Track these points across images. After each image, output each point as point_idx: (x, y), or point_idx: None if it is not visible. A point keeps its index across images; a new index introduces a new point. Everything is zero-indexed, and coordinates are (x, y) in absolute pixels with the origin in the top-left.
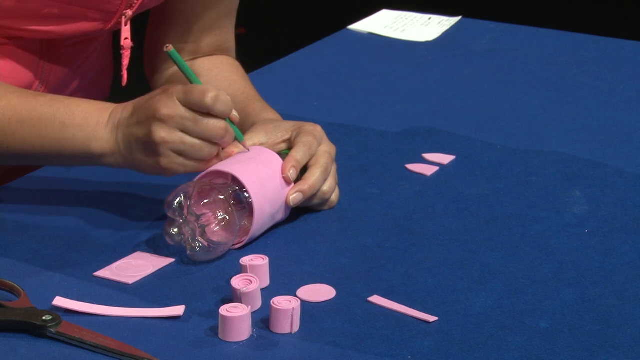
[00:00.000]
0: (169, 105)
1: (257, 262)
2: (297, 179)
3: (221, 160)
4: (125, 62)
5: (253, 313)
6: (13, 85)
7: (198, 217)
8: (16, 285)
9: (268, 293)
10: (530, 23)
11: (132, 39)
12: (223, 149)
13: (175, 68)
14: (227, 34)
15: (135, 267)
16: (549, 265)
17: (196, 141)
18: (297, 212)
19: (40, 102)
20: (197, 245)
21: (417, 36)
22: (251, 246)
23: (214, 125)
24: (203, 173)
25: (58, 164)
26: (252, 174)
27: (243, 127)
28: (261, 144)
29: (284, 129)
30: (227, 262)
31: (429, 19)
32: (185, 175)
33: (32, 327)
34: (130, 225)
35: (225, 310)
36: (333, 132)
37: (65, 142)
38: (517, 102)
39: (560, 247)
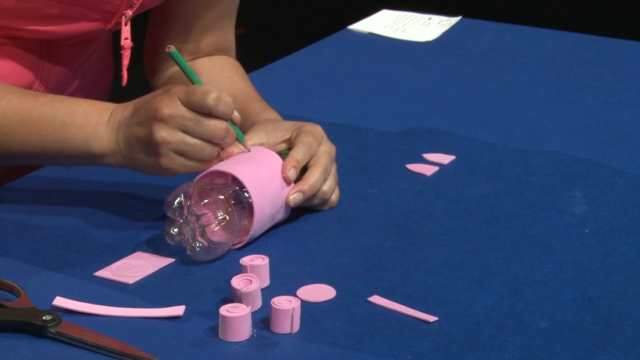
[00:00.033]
0: (170, 106)
1: (257, 262)
2: (297, 179)
3: (221, 161)
4: (125, 62)
5: (253, 313)
6: (13, 85)
7: (198, 217)
8: (16, 285)
9: (268, 293)
10: (530, 23)
11: (132, 39)
12: (223, 149)
13: (175, 68)
14: (227, 34)
15: (136, 267)
16: (549, 265)
17: (197, 141)
18: (297, 212)
19: (41, 102)
20: (197, 245)
21: (417, 36)
22: (251, 246)
23: (216, 125)
24: (203, 173)
25: (58, 164)
26: (252, 174)
27: (243, 127)
28: (261, 144)
29: (284, 129)
30: (227, 262)
31: (429, 19)
32: (186, 175)
33: (32, 327)
34: (130, 225)
35: (225, 310)
36: (333, 132)
37: (65, 142)
38: (517, 102)
39: (560, 247)
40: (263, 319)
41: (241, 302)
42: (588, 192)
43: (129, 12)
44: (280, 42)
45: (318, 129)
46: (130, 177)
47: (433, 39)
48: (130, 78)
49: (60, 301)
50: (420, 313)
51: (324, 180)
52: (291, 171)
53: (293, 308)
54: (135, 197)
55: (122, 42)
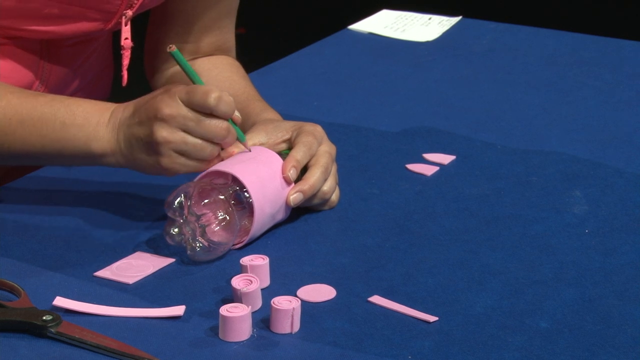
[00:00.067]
0: (171, 105)
1: (258, 262)
2: (298, 179)
3: (222, 160)
4: (126, 62)
5: (253, 313)
6: (13, 85)
7: (198, 217)
8: (16, 285)
9: (268, 293)
10: (530, 23)
11: (132, 39)
12: (223, 148)
13: (176, 68)
14: (227, 34)
15: (136, 267)
16: (549, 265)
17: (198, 141)
18: (297, 212)
19: (41, 102)
20: (198, 245)
21: (417, 36)
22: (251, 246)
23: (217, 125)
24: (203, 173)
25: (59, 164)
26: (253, 174)
27: (243, 127)
28: (261, 144)
29: (284, 129)
30: (227, 262)
31: (429, 19)
32: (186, 175)
33: (32, 327)
34: (130, 225)
35: (225, 310)
36: (333, 132)
37: (65, 142)
38: (517, 102)
39: (561, 247)
40: (263, 319)
41: (241, 302)
42: (588, 192)
43: (129, 12)
44: (280, 42)
45: (318, 129)
46: (130, 177)
47: (433, 39)
48: (130, 78)
49: (60, 301)
50: (420, 313)
51: (324, 180)
52: (291, 171)
53: (293, 308)
54: (135, 197)
55: (122, 42)
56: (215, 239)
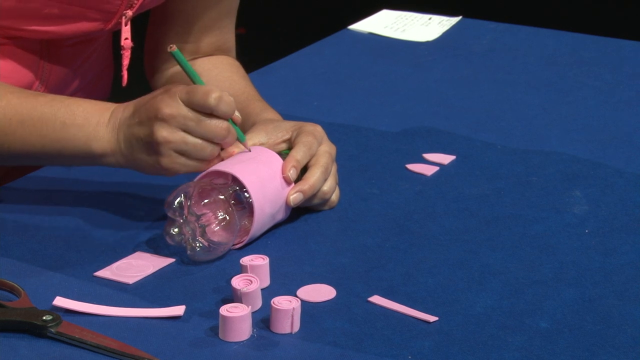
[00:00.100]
0: (171, 105)
1: (258, 262)
2: (298, 179)
3: (222, 160)
4: (126, 62)
5: (253, 313)
6: (13, 85)
7: (198, 217)
8: (16, 285)
9: (268, 293)
10: (530, 23)
11: (132, 39)
12: (223, 148)
13: (176, 68)
14: (227, 34)
15: (136, 267)
16: (549, 265)
17: (198, 141)
18: (297, 212)
19: (41, 102)
20: (198, 245)
21: (417, 36)
22: (251, 246)
23: (217, 125)
24: (203, 173)
25: (59, 164)
26: (253, 174)
27: (243, 127)
28: (261, 144)
29: (284, 129)
30: (227, 262)
31: (429, 19)
32: (186, 175)
33: (32, 327)
34: (130, 225)
35: (225, 310)
36: (333, 132)
37: (66, 142)
38: (517, 102)
39: (561, 247)
40: (263, 319)
41: (241, 302)
42: (588, 192)
43: (129, 12)
44: (280, 42)
45: (318, 129)
46: (130, 177)
47: (433, 39)
48: (130, 78)
49: (60, 301)
50: (420, 313)
51: (324, 180)
52: (291, 171)
53: (293, 308)
54: (135, 197)
55: (122, 42)
56: (215, 239)
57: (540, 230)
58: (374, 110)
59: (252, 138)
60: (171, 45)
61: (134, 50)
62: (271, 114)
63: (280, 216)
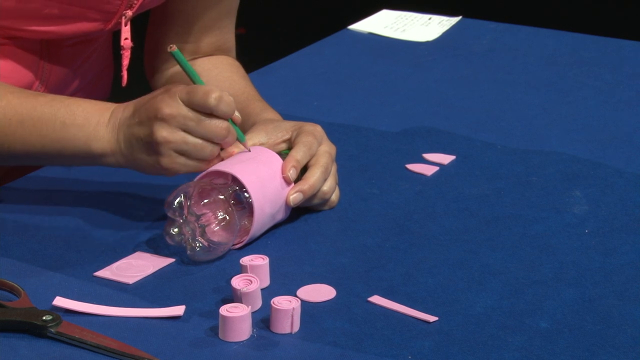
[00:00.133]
0: (171, 105)
1: (257, 262)
2: (298, 179)
3: (222, 160)
4: (125, 62)
5: (253, 313)
6: (13, 86)
7: (198, 217)
8: (16, 285)
9: (268, 293)
10: (530, 23)
11: (132, 39)
12: (223, 148)
13: (176, 68)
14: (227, 34)
15: (136, 267)
16: (549, 265)
17: (198, 141)
18: (297, 212)
19: (41, 102)
20: (197, 245)
21: (417, 36)
22: (251, 246)
23: (217, 125)
24: (203, 173)
25: (59, 164)
26: (252, 174)
27: (243, 127)
28: (261, 144)
29: (284, 129)
30: (227, 262)
31: (429, 19)
32: (186, 175)
33: (32, 327)
34: (130, 225)
35: (225, 310)
36: (333, 132)
37: (66, 142)
38: (517, 102)
39: (561, 247)
40: (263, 319)
41: (241, 302)
42: (588, 192)
43: (129, 13)
44: (280, 42)
45: (318, 129)
46: (130, 177)
47: (433, 39)
48: (130, 78)
49: (60, 301)
50: (420, 313)
51: (324, 180)
52: (291, 171)
53: (293, 308)
54: (135, 197)
55: (122, 43)
56: (215, 239)
57: (540, 230)
58: (374, 110)
59: (252, 138)
60: (171, 45)
61: (134, 50)
62: (271, 114)
63: (280, 216)
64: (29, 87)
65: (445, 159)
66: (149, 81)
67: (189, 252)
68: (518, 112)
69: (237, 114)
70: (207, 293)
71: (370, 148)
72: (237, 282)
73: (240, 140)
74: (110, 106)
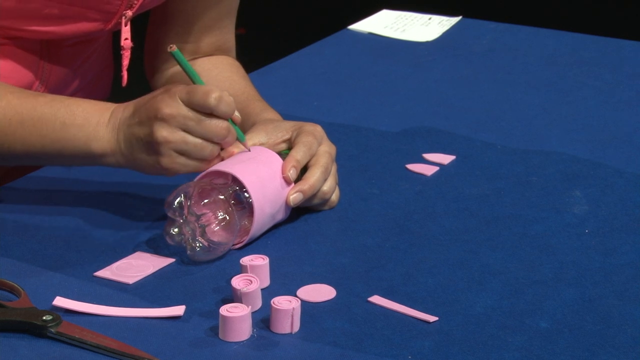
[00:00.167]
0: (171, 105)
1: (257, 262)
2: (298, 179)
3: (222, 160)
4: (125, 62)
5: (253, 313)
6: (13, 86)
7: (198, 217)
8: (16, 285)
9: (268, 293)
10: (530, 23)
11: (132, 39)
12: (223, 148)
13: (176, 68)
14: (227, 34)
15: (136, 267)
16: (549, 265)
17: (198, 141)
18: (297, 212)
19: (41, 102)
20: (197, 245)
21: (417, 36)
22: (251, 246)
23: (217, 125)
24: (203, 173)
25: (59, 164)
26: (252, 174)
27: (243, 127)
28: (261, 144)
29: (284, 129)
30: (227, 262)
31: (429, 19)
32: (186, 175)
33: (32, 327)
34: (130, 225)
35: (225, 310)
36: (333, 132)
37: (65, 142)
38: (517, 102)
39: (561, 247)
40: (263, 319)
41: (241, 302)
42: (588, 192)
43: (129, 13)
44: (280, 42)
45: (318, 129)
46: (130, 177)
47: (433, 39)
48: (130, 78)
49: (60, 301)
50: (420, 313)
51: (324, 180)
52: (291, 171)
53: (293, 308)
54: (135, 197)
55: (122, 43)
56: (215, 239)
57: (540, 230)
58: (374, 110)
59: (252, 138)
60: (171, 45)
61: (134, 50)
62: (271, 114)
63: (280, 216)
64: (29, 87)
65: (445, 159)
66: (149, 81)
67: (189, 252)
68: (518, 112)
69: (237, 113)
70: (207, 293)
71: (370, 148)
72: (237, 282)
73: (240, 140)
74: (110, 106)
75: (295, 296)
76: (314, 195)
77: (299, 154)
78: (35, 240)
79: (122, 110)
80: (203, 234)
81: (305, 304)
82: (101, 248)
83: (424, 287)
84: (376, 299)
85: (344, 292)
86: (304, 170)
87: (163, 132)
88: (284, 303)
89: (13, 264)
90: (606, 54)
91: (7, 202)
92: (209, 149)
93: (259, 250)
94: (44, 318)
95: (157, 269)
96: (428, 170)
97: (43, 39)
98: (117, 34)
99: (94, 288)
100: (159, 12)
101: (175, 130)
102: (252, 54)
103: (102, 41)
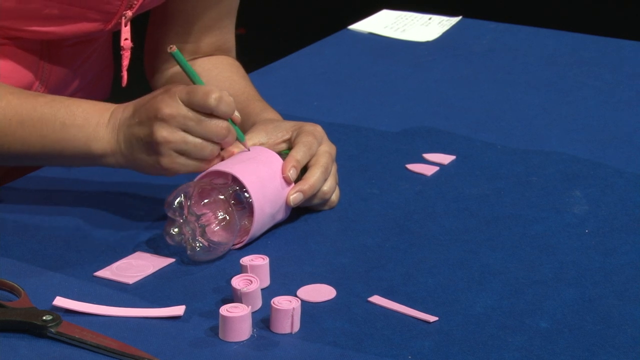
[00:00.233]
0: (171, 105)
1: (258, 262)
2: (298, 179)
3: (222, 160)
4: (125, 62)
5: (253, 313)
6: (13, 86)
7: (198, 217)
8: (16, 285)
9: (268, 293)
10: (530, 23)
11: (132, 40)
12: (223, 148)
13: (176, 68)
14: (227, 34)
15: (136, 267)
16: (549, 265)
17: (198, 141)
18: (297, 212)
19: (41, 102)
20: (198, 245)
21: (417, 36)
22: (251, 246)
23: (217, 125)
24: (203, 173)
25: (59, 165)
26: (252, 174)
27: (243, 127)
28: (261, 144)
29: (284, 129)
30: (227, 262)
31: (429, 19)
32: (186, 175)
33: (32, 327)
34: (130, 225)
35: (225, 310)
36: (333, 132)
37: (65, 143)
38: (517, 102)
39: (561, 247)
40: (263, 319)
41: (241, 302)
42: (588, 192)
43: (129, 13)
44: (280, 42)
45: (318, 129)
46: (130, 177)
47: (433, 39)
48: (130, 78)
49: (60, 301)
50: (420, 313)
51: (324, 180)
52: (291, 171)
53: (293, 308)
54: (135, 197)
55: (122, 43)
56: (215, 239)
57: (540, 230)
58: (374, 110)
59: (252, 138)
60: (171, 46)
61: (134, 50)
62: (271, 114)
63: (280, 216)
64: (28, 87)
65: (445, 159)
66: (149, 81)
67: (189, 252)
68: (518, 112)
69: (236, 113)
70: (207, 293)
71: (370, 148)
72: (237, 282)
73: (239, 140)
74: (110, 106)
75: (295, 296)
76: (314, 195)
77: (299, 154)
78: (35, 240)
79: (122, 111)
80: (203, 234)
81: (305, 304)
82: (101, 248)
83: (424, 287)
84: (376, 299)
85: (344, 292)
86: (304, 170)
87: (163, 132)
88: (284, 303)
89: (13, 264)
90: (606, 54)
91: (7, 202)
92: (209, 149)
93: (259, 250)
94: (44, 318)
95: (157, 269)
96: (428, 170)
97: (43, 39)
98: (117, 34)
99: (94, 288)
100: (159, 12)
101: (175, 131)
102: (252, 54)
103: (102, 41)
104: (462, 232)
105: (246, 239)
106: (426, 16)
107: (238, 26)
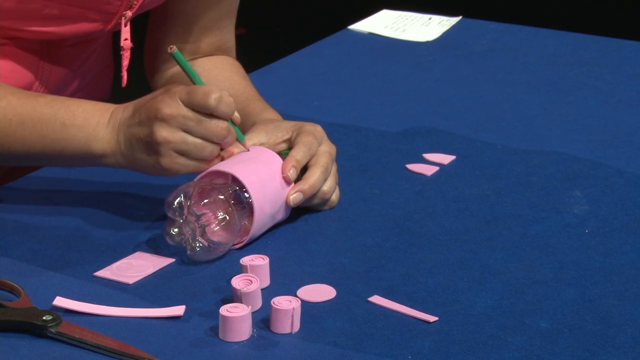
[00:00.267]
0: (171, 105)
1: (258, 262)
2: (298, 179)
3: (222, 160)
4: (125, 62)
5: (253, 313)
6: (13, 86)
7: (198, 217)
8: (16, 285)
9: (268, 293)
10: (530, 23)
11: (132, 40)
12: (223, 149)
13: (176, 68)
14: (227, 34)
15: (136, 267)
16: (549, 265)
17: (198, 141)
18: (297, 212)
19: (41, 102)
20: (198, 245)
21: (418, 36)
22: (251, 246)
23: (217, 125)
24: (203, 173)
25: (59, 165)
26: (252, 174)
27: (243, 127)
28: (261, 144)
29: (284, 129)
30: (227, 262)
31: (429, 19)
32: (186, 175)
33: (32, 327)
34: (130, 225)
35: (225, 310)
36: (333, 132)
37: (65, 143)
38: (517, 102)
39: (561, 247)
40: (263, 319)
41: (241, 302)
42: (588, 192)
43: (129, 13)
44: (280, 42)
45: (318, 129)
46: (130, 177)
47: (433, 39)
48: (130, 78)
49: (60, 301)
50: (420, 313)
51: (324, 180)
52: (291, 171)
53: (293, 308)
54: (135, 197)
55: (122, 43)
56: (215, 239)
57: (540, 230)
58: (374, 110)
59: (252, 138)
60: (171, 46)
61: (134, 50)
62: (271, 114)
63: (280, 216)
64: (28, 87)
65: (445, 159)
66: (149, 81)
67: (189, 252)
68: (518, 112)
69: (236, 114)
70: (207, 293)
71: (370, 148)
72: (237, 282)
73: (239, 140)
74: (110, 107)
75: (295, 296)
76: (314, 195)
77: (299, 154)
78: (35, 240)
79: (122, 111)
80: (203, 234)
81: (305, 304)
82: (101, 248)
83: (424, 287)
84: (376, 299)
85: (344, 292)
86: (304, 170)
87: (163, 133)
88: (284, 303)
89: (13, 264)
90: (606, 54)
91: (7, 202)
92: (209, 149)
93: (259, 250)
94: (44, 318)
95: (157, 269)
96: (428, 170)
97: (43, 39)
98: (117, 34)
99: (94, 288)
100: (159, 12)
101: (175, 131)
102: (252, 54)
103: (102, 41)
104: (462, 232)
105: (246, 239)
106: (426, 16)
107: (238, 26)
